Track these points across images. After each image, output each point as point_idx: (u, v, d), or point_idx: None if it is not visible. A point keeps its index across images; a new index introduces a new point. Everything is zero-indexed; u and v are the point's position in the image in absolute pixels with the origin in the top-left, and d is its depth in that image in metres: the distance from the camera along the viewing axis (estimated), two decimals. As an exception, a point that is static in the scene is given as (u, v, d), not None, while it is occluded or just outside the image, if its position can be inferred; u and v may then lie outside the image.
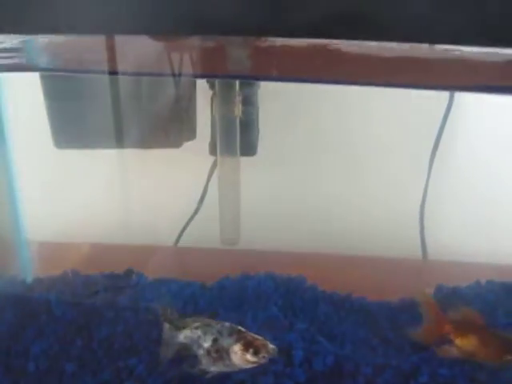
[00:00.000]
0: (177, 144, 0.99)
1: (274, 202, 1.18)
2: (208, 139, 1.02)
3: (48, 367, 0.83)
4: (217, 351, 0.75)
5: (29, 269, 1.05)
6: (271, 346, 0.72)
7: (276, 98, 1.09)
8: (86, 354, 0.86)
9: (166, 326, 0.80)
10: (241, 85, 0.92)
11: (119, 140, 0.91)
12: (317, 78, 0.74)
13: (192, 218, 1.24)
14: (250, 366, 0.73)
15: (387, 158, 1.18)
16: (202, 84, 0.99)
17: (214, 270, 1.08)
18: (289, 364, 0.82)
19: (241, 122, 0.94)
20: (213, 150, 0.97)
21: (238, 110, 0.89)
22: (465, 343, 0.82)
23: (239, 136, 0.94)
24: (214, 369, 0.76)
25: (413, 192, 1.22)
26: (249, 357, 0.72)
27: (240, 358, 0.73)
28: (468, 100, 1.08)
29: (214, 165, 1.05)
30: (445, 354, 0.83)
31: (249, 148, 0.97)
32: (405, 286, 1.07)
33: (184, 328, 0.78)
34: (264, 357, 0.72)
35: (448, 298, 1.02)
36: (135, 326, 0.91)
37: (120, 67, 0.72)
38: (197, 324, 0.78)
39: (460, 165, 1.18)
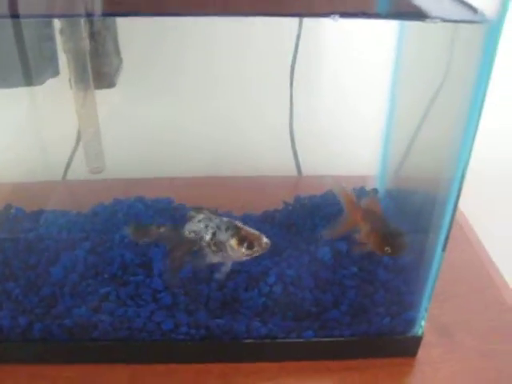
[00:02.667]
0: (39, 81, 1.02)
1: (138, 132, 1.23)
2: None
3: None
4: (215, 244, 0.81)
5: None
6: (265, 240, 0.78)
7: (138, 29, 1.13)
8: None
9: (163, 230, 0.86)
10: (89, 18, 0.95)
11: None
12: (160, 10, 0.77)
13: (74, 151, 1.29)
14: (244, 258, 0.80)
15: (250, 84, 1.25)
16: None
17: (94, 199, 1.14)
18: (149, 275, 0.90)
19: (96, 54, 0.98)
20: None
21: (87, 43, 0.93)
22: (364, 231, 0.88)
23: (96, 68, 0.98)
24: (215, 260, 0.82)
25: (280, 115, 1.30)
26: (243, 250, 0.79)
27: (235, 251, 0.79)
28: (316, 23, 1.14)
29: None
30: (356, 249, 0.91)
31: (106, 80, 1.02)
32: (275, 200, 1.14)
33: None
34: (257, 250, 0.78)
35: (304, 205, 1.11)
36: (13, 254, 0.96)
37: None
38: (200, 217, 0.84)
39: (318, 84, 1.25)
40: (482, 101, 0.70)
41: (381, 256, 0.88)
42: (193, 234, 0.85)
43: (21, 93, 1.14)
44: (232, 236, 0.80)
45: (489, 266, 1.07)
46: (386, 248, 0.84)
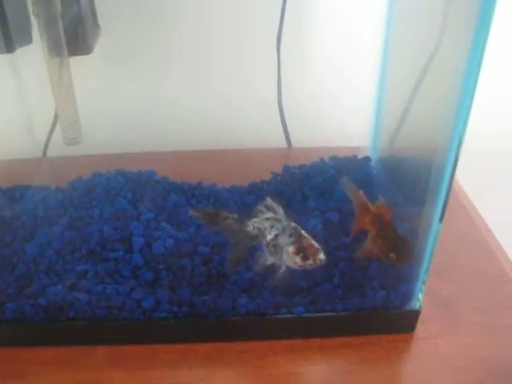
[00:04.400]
0: (9, 49, 0.96)
1: (116, 101, 1.18)
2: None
3: None
4: (274, 246, 0.78)
5: None
6: (321, 256, 0.75)
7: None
8: None
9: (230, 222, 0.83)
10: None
11: None
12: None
13: (54, 125, 1.23)
14: (297, 267, 0.77)
15: (236, 55, 1.19)
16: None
17: (75, 175, 1.08)
18: (129, 250, 0.85)
19: (70, 17, 0.92)
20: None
21: (57, 5, 0.87)
22: (371, 235, 0.84)
23: (69, 34, 0.92)
24: (270, 260, 0.80)
25: (268, 86, 1.24)
26: (297, 260, 0.76)
27: (290, 258, 0.76)
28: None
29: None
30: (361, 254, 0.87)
31: (82, 46, 0.96)
32: (263, 172, 1.09)
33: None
34: (310, 264, 0.75)
35: (293, 175, 1.06)
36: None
37: None
38: (267, 216, 0.81)
39: (307, 52, 1.19)
40: (480, 61, 0.64)
41: (384, 261, 0.82)
42: (256, 231, 0.81)
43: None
44: (292, 243, 0.77)
45: (488, 238, 1.03)
46: (391, 254, 0.80)
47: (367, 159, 1.08)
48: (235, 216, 0.83)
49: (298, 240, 0.77)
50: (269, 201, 0.83)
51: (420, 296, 0.83)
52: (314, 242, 0.76)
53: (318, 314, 0.82)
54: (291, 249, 0.76)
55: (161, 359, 0.81)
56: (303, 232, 0.78)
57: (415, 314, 0.84)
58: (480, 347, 0.83)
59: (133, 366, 0.81)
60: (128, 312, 0.80)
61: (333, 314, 0.82)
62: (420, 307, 0.84)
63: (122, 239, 0.87)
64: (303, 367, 0.80)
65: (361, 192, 0.86)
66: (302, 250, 0.76)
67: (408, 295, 0.83)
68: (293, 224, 0.79)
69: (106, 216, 0.93)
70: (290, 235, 0.78)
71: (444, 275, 0.93)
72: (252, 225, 0.82)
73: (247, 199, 1.00)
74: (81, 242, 0.88)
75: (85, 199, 0.98)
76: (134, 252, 0.85)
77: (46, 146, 1.27)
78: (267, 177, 1.06)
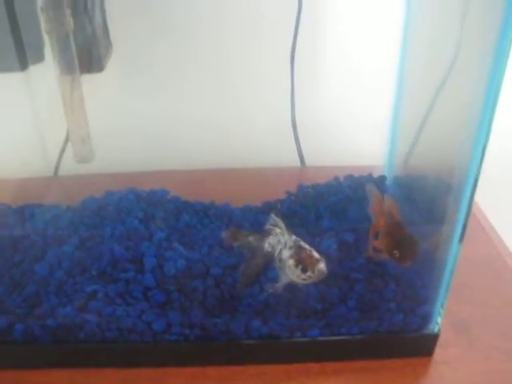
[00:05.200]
0: (22, 67, 0.95)
1: (128, 119, 1.17)
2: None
3: None
4: (280, 261, 0.77)
5: None
6: (321, 266, 0.73)
7: (129, 9, 1.06)
8: None
9: (251, 239, 0.83)
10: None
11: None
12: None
13: (66, 143, 1.22)
14: (300, 281, 0.76)
15: (250, 72, 1.18)
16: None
17: (91, 194, 1.07)
18: (140, 271, 0.83)
19: (82, 35, 0.91)
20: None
21: (69, 23, 0.86)
22: (381, 234, 0.84)
23: (82, 52, 0.91)
24: (283, 278, 0.78)
25: (282, 104, 1.22)
26: (298, 272, 0.74)
27: (292, 272, 0.75)
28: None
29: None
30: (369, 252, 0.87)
31: (94, 64, 0.95)
32: (276, 191, 1.07)
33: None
34: (310, 276, 0.74)
35: (308, 194, 1.04)
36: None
37: None
38: (277, 231, 0.81)
39: (320, 69, 1.18)
40: (501, 77, 0.62)
41: (390, 260, 0.81)
42: (270, 248, 0.81)
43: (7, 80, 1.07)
44: (291, 256, 0.76)
45: (508, 260, 1.00)
46: (395, 251, 0.79)
47: (383, 178, 1.06)
48: (256, 235, 0.83)
49: (296, 252, 0.75)
50: (272, 216, 0.83)
51: (439, 319, 0.80)
52: (314, 253, 0.74)
53: (333, 338, 0.80)
54: (291, 261, 0.75)
55: (172, 382, 0.79)
56: (303, 243, 0.76)
57: (434, 337, 0.82)
58: (500, 372, 0.81)
59: (142, 389, 0.78)
60: (138, 334, 0.79)
61: (349, 337, 0.80)
62: (439, 331, 0.81)
63: (134, 259, 0.86)
64: (318, 392, 0.77)
65: (381, 197, 0.85)
66: (301, 262, 0.74)
67: (426, 318, 0.81)
68: (294, 237, 0.78)
69: (117, 235, 0.91)
70: (291, 248, 0.76)
71: (463, 298, 0.90)
72: (267, 242, 0.81)
73: (261, 219, 0.98)
74: (91, 262, 0.86)
75: (96, 218, 0.97)
76: (146, 273, 0.84)
77: (58, 164, 1.25)
78: (281, 196, 1.05)
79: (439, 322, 0.81)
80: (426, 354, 0.82)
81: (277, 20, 1.10)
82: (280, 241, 0.80)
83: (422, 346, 0.82)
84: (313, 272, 0.74)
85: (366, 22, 1.11)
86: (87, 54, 0.92)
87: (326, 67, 1.17)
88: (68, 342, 0.80)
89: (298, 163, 1.27)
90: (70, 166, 1.20)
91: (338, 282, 0.83)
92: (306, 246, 0.76)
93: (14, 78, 1.05)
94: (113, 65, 1.03)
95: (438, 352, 0.83)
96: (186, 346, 0.79)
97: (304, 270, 0.74)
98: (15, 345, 0.81)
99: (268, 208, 1.02)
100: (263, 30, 1.13)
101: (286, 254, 0.77)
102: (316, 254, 0.74)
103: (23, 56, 0.96)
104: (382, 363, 0.81)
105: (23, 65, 0.96)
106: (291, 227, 0.92)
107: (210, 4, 1.11)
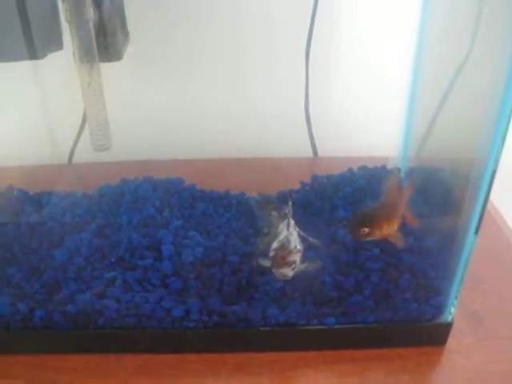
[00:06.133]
0: (40, 55, 0.96)
1: (147, 110, 1.17)
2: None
3: None
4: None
5: None
6: (283, 271, 0.74)
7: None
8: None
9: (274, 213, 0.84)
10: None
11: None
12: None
13: (81, 131, 1.23)
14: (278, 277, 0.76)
15: (265, 63, 1.18)
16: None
17: (101, 181, 1.08)
18: (158, 258, 0.84)
19: (101, 25, 0.92)
20: (77, 58, 0.95)
21: (90, 12, 0.87)
22: None
23: (100, 40, 0.92)
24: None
25: (295, 94, 1.23)
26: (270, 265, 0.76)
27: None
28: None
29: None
30: None
31: (112, 53, 0.95)
32: (290, 181, 1.08)
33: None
34: (275, 273, 0.75)
35: (322, 185, 1.05)
36: (15, 238, 0.91)
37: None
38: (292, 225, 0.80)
39: (335, 59, 1.18)
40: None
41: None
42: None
43: (22, 68, 1.07)
44: (273, 248, 0.78)
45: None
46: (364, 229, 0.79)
47: (397, 170, 1.07)
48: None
49: (277, 247, 0.76)
50: (290, 204, 0.83)
51: (452, 309, 0.81)
52: (289, 257, 0.75)
53: (349, 326, 0.81)
54: (271, 253, 0.76)
55: (189, 368, 0.81)
56: (293, 244, 0.76)
57: (447, 326, 0.83)
58: (513, 362, 0.80)
59: (160, 374, 0.80)
60: (157, 321, 0.80)
61: (364, 325, 0.81)
62: (452, 320, 0.82)
63: (151, 247, 0.86)
64: (334, 379, 0.79)
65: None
66: (274, 258, 0.75)
67: (440, 308, 0.82)
68: (292, 231, 0.79)
69: (134, 223, 0.92)
70: (279, 241, 0.77)
71: (476, 289, 0.91)
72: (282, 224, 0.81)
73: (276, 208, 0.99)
74: (109, 249, 0.87)
75: (113, 206, 0.98)
76: (164, 260, 0.84)
77: (72, 152, 1.26)
78: (294, 186, 1.05)
79: (453, 312, 0.82)
80: (439, 342, 0.84)
81: (293, 13, 1.10)
82: (281, 230, 0.80)
83: (435, 335, 0.83)
84: (276, 272, 0.75)
85: (380, 14, 1.11)
86: (106, 42, 0.91)
87: (340, 59, 1.18)
88: (87, 328, 0.81)
89: (310, 154, 1.27)
90: (85, 154, 1.20)
91: (353, 271, 0.84)
92: (291, 246, 0.76)
93: (31, 66, 1.06)
94: (129, 53, 1.03)
95: (451, 341, 0.84)
96: (204, 332, 0.81)
97: (272, 266, 0.75)
98: (35, 330, 0.81)
99: (283, 198, 1.02)
100: (279, 22, 1.13)
101: (274, 244, 0.78)
102: (291, 258, 0.75)
103: (42, 44, 0.95)
104: (397, 351, 0.82)
105: (42, 53, 0.96)
106: (306, 217, 0.94)
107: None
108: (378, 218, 0.80)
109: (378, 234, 0.80)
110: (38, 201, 1.03)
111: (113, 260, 0.86)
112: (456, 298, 0.81)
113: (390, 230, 0.81)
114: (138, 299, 0.80)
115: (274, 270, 0.75)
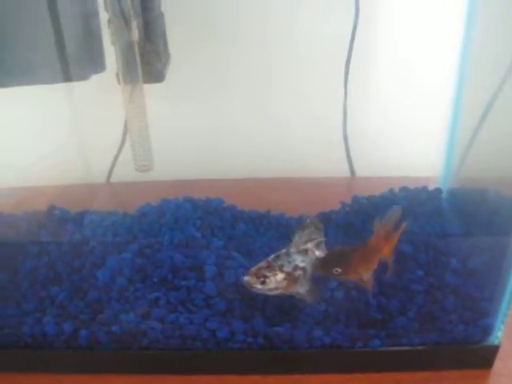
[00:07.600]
0: (83, 76, 0.97)
1: (187, 129, 1.18)
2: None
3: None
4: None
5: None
6: (255, 286, 0.77)
7: (186, 21, 1.08)
8: (9, 286, 0.87)
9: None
10: (138, 7, 0.90)
11: (16, 75, 0.89)
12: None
13: (120, 151, 1.24)
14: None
15: (303, 83, 1.19)
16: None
17: (141, 201, 1.09)
18: (201, 279, 0.84)
19: (145, 46, 0.93)
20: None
21: (135, 34, 0.88)
22: None
23: (145, 61, 0.93)
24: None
25: (333, 112, 1.23)
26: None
27: None
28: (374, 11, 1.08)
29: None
30: None
31: (155, 74, 0.97)
32: (329, 201, 1.08)
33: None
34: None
35: (363, 205, 1.04)
36: (58, 257, 0.92)
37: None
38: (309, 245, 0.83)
39: (373, 78, 1.18)
40: None
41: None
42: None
43: (64, 90, 1.09)
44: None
45: None
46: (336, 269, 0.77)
47: (438, 191, 1.06)
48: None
49: (268, 266, 0.78)
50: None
51: (499, 332, 0.80)
52: (269, 279, 0.77)
53: (394, 348, 0.80)
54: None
55: (232, 389, 0.79)
56: (272, 260, 0.79)
57: (494, 349, 0.81)
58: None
59: (203, 396, 0.79)
60: (202, 342, 0.80)
61: (409, 347, 0.80)
62: (499, 343, 0.80)
63: (194, 267, 0.86)
64: (379, 402, 0.77)
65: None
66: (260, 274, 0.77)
67: (487, 330, 0.80)
68: (287, 250, 0.81)
69: (175, 243, 0.92)
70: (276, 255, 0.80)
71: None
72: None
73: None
74: (151, 269, 0.87)
75: (154, 225, 0.98)
76: (207, 281, 0.84)
77: (111, 171, 1.27)
78: (334, 206, 1.04)
79: (499, 335, 0.80)
80: (486, 366, 0.82)
81: (332, 34, 1.11)
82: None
83: (482, 358, 0.82)
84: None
85: (420, 31, 1.11)
86: (150, 64, 0.92)
87: (380, 79, 1.17)
88: (131, 349, 0.81)
89: (347, 173, 1.26)
90: (123, 173, 1.21)
91: (397, 293, 0.83)
92: (274, 263, 0.79)
93: (74, 87, 1.07)
94: (170, 75, 1.04)
95: (498, 364, 0.82)
96: (248, 353, 0.80)
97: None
98: (79, 350, 0.82)
99: (323, 219, 1.02)
100: (319, 44, 1.13)
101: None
102: (264, 272, 0.77)
103: (88, 66, 0.97)
104: (443, 374, 0.81)
105: (87, 74, 0.97)
106: (347, 238, 0.93)
107: (264, 15, 1.12)
108: (356, 260, 0.78)
109: (352, 277, 0.79)
110: (79, 220, 1.03)
111: (155, 280, 0.85)
112: (504, 319, 0.79)
113: (364, 275, 0.79)
114: (182, 320, 0.80)
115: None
